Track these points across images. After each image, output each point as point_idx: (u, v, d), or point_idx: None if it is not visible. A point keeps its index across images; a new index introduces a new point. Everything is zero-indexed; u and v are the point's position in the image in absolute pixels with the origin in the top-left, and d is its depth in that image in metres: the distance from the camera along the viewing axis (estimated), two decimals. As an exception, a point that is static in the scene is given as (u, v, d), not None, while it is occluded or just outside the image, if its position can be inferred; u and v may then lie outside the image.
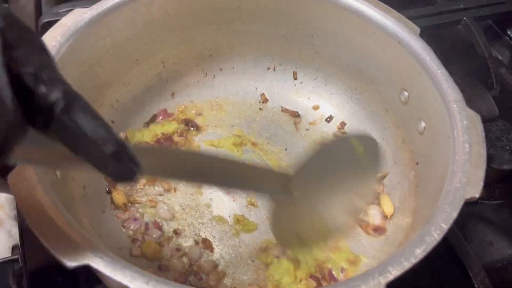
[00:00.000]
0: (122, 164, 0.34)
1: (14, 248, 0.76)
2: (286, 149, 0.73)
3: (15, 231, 0.88)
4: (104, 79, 0.66)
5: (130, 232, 0.62)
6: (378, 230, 0.64)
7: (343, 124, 0.76)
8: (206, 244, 0.61)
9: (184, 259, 0.60)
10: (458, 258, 0.62)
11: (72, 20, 0.59)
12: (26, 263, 0.61)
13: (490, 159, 0.73)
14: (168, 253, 0.60)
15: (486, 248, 0.70)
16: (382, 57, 0.66)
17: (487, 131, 0.76)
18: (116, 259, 0.39)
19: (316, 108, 0.78)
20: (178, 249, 0.60)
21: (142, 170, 0.35)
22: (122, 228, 0.62)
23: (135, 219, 0.63)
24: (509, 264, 0.69)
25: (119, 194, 0.64)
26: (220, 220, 0.64)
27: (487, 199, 0.76)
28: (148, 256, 0.59)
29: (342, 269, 0.60)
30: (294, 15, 0.71)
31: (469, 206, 0.73)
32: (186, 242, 0.62)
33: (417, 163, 0.62)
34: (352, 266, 0.60)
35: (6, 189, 0.46)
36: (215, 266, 0.59)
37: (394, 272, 0.40)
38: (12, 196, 0.91)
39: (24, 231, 0.64)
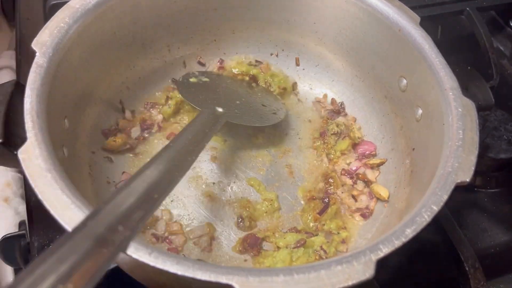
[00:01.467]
0: None
1: (21, 224, 0.79)
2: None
3: (22, 208, 0.90)
4: (110, 61, 0.68)
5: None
6: (365, 211, 0.66)
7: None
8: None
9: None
10: (451, 243, 0.63)
11: (80, 2, 0.60)
12: (33, 239, 0.63)
13: (487, 148, 0.75)
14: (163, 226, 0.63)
15: (480, 235, 0.72)
16: (383, 44, 0.68)
17: (485, 121, 0.78)
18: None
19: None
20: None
21: None
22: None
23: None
24: (502, 250, 0.71)
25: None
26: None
27: (483, 188, 0.77)
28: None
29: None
30: (297, 2, 0.72)
31: (466, 194, 0.75)
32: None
33: (413, 149, 0.64)
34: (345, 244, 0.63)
35: (16, 164, 0.48)
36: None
37: (385, 250, 0.42)
38: (19, 175, 0.94)
39: (33, 208, 0.65)
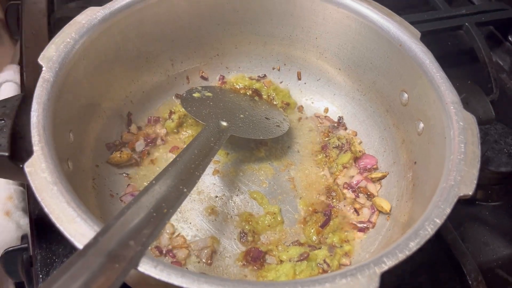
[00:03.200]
0: None
1: (23, 238, 0.79)
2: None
3: (23, 221, 0.90)
4: (115, 75, 0.69)
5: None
6: (367, 224, 0.66)
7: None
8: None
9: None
10: (454, 257, 0.64)
11: (86, 18, 0.61)
12: (36, 252, 0.63)
13: (488, 161, 0.75)
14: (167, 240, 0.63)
15: (482, 248, 0.72)
16: (384, 59, 0.68)
17: (485, 134, 0.78)
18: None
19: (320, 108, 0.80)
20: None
21: None
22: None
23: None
24: (503, 264, 0.71)
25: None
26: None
27: (485, 201, 0.77)
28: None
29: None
30: (299, 18, 0.73)
31: (467, 207, 0.76)
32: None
33: (415, 163, 0.64)
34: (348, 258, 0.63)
35: (22, 177, 0.48)
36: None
37: (389, 263, 0.42)
38: (21, 188, 0.94)
39: (36, 221, 0.66)
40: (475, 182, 0.50)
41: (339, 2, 0.68)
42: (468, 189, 0.49)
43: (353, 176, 0.71)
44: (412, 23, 0.88)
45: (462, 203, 0.74)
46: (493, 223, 0.75)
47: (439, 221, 0.46)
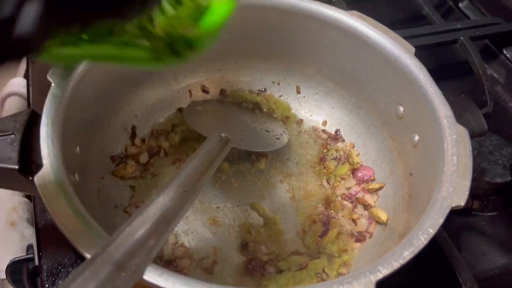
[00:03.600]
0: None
1: (28, 248, 0.80)
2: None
3: (27, 232, 0.91)
4: (120, 89, 0.71)
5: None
6: (365, 234, 0.68)
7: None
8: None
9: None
10: (450, 266, 0.65)
11: (93, 35, 0.63)
12: (42, 262, 0.64)
13: (483, 172, 0.77)
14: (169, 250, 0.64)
15: (479, 258, 0.73)
16: (380, 74, 0.71)
17: (480, 146, 0.80)
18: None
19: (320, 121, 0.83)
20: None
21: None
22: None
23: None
24: (500, 273, 0.72)
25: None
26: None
27: (481, 211, 0.79)
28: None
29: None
30: (298, 34, 0.76)
31: (464, 218, 0.77)
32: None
33: (411, 174, 0.66)
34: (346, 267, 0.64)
35: (31, 189, 0.50)
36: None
37: (384, 271, 0.44)
38: (25, 199, 0.95)
39: (41, 232, 0.67)
40: (467, 193, 0.52)
41: (336, 19, 0.71)
42: (461, 200, 0.51)
43: (350, 187, 0.73)
44: (408, 37, 0.91)
45: (459, 213, 0.76)
46: (489, 233, 0.77)
47: (432, 231, 0.48)
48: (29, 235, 0.90)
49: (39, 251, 0.66)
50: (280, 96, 0.84)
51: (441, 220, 0.49)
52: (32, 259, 0.70)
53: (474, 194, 0.79)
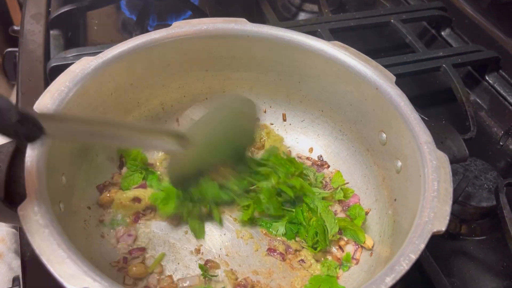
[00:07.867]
0: (27, 127, 0.45)
1: (14, 280, 0.79)
2: None
3: (15, 263, 0.91)
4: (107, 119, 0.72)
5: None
6: (351, 261, 0.68)
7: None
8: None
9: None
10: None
11: (80, 67, 0.64)
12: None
13: (469, 197, 0.78)
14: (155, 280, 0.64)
15: (468, 283, 0.73)
16: (363, 102, 0.72)
17: (465, 170, 0.81)
18: (114, 284, 0.43)
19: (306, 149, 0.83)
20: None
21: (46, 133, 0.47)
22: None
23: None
24: (489, 298, 0.72)
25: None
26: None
27: (469, 236, 0.80)
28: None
29: None
30: (283, 64, 0.77)
31: (452, 242, 0.78)
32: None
33: (395, 200, 0.67)
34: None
35: (15, 220, 0.50)
36: None
37: (366, 298, 0.44)
38: (13, 230, 0.95)
39: (27, 263, 0.67)
40: (448, 218, 0.52)
41: (319, 49, 0.73)
42: (441, 225, 0.51)
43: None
44: (392, 65, 0.93)
45: (448, 238, 0.77)
46: (478, 257, 0.77)
47: (414, 256, 0.48)
48: (17, 266, 0.89)
49: (24, 283, 0.66)
50: (271, 124, 0.85)
51: (422, 246, 0.49)
52: (18, 291, 0.69)
53: (461, 218, 0.79)
